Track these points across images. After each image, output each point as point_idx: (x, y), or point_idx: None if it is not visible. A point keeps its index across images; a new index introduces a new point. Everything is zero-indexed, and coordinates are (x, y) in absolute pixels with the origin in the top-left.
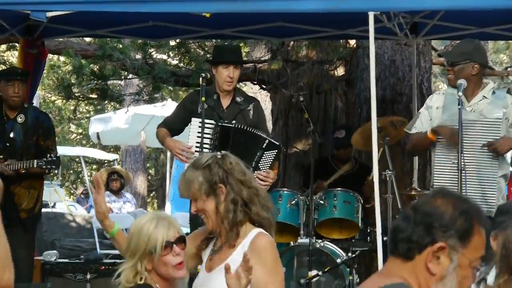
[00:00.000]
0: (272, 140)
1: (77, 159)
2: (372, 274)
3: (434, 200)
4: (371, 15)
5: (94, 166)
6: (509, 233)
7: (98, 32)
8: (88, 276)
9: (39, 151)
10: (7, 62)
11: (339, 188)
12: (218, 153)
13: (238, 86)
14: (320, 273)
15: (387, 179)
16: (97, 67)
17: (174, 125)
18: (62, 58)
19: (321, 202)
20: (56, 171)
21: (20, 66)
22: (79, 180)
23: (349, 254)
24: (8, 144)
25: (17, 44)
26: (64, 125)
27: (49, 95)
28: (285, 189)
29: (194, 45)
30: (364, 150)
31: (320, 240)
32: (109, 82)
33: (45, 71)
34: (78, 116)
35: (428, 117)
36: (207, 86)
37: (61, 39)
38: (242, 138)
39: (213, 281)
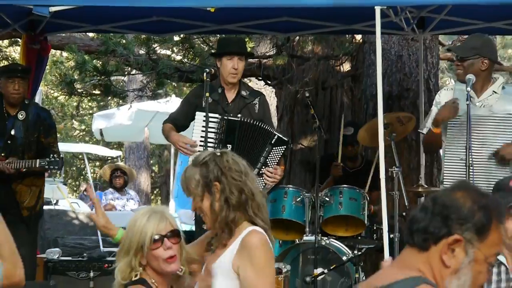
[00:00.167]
0: (281, 136)
1: (80, 156)
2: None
3: (454, 193)
4: (377, 10)
5: (97, 163)
6: None
7: (102, 27)
8: (91, 274)
9: (41, 148)
10: (10, 58)
11: (345, 185)
12: (218, 150)
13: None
14: (325, 271)
15: (394, 176)
16: (100, 62)
17: (179, 121)
18: (65, 54)
19: (327, 199)
20: (58, 172)
21: (23, 62)
22: (82, 177)
23: (355, 252)
24: (9, 142)
25: (19, 40)
26: (67, 121)
27: (52, 91)
28: (290, 186)
29: (198, 40)
30: (370, 147)
31: (325, 238)
32: (112, 78)
33: (47, 66)
34: (81, 112)
35: None
36: (212, 80)
37: (64, 35)
38: (249, 132)
39: (202, 282)
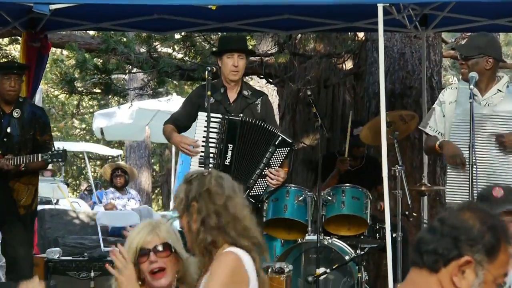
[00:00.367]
0: (285, 137)
1: (80, 155)
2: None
3: (462, 214)
4: (380, 7)
5: (98, 162)
6: None
7: (102, 25)
8: (92, 274)
9: (36, 145)
10: (10, 56)
11: (347, 184)
12: (206, 170)
13: (244, 80)
14: (328, 270)
15: (397, 174)
16: (101, 61)
17: (180, 121)
18: (65, 52)
19: (329, 198)
20: (61, 164)
21: (23, 60)
22: (82, 176)
23: (358, 251)
24: (5, 139)
25: (19, 38)
26: (67, 120)
27: (52, 90)
28: (292, 185)
29: (199, 38)
30: (373, 145)
31: (328, 237)
32: (113, 76)
33: (48, 65)
34: (81, 111)
35: (441, 114)
36: (214, 80)
37: (64, 32)
38: (251, 132)
39: None
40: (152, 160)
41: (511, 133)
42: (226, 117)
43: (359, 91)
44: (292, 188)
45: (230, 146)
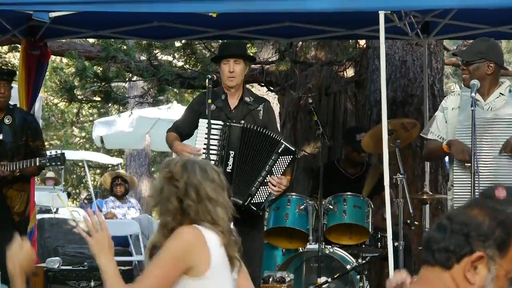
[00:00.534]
0: (288, 145)
1: (80, 163)
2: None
3: (470, 210)
4: (381, 14)
5: (98, 171)
6: None
7: (102, 33)
8: (92, 284)
9: (29, 151)
10: (9, 64)
11: (349, 193)
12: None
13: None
14: (329, 279)
15: (398, 183)
16: (101, 69)
17: (182, 129)
18: (65, 60)
19: (331, 207)
20: (60, 168)
21: (22, 68)
22: (82, 185)
23: (359, 260)
24: None
25: (19, 45)
26: (67, 128)
27: (52, 98)
28: (294, 193)
29: (200, 46)
30: (374, 153)
31: (329, 246)
32: (113, 84)
33: (47, 73)
34: (81, 119)
35: (443, 120)
36: (215, 87)
37: (64, 40)
38: (252, 139)
39: None
40: (153, 169)
41: None
42: (227, 123)
43: (360, 99)
44: (293, 196)
45: (232, 153)
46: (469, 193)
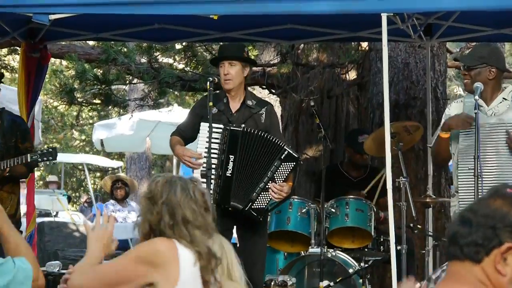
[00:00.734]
0: (292, 152)
1: (80, 167)
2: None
3: (493, 201)
4: (384, 17)
5: (98, 174)
6: None
7: (102, 35)
8: None
9: (19, 153)
10: (9, 66)
11: (351, 196)
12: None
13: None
14: (331, 283)
15: (401, 186)
16: (101, 71)
17: (185, 133)
18: (64, 63)
19: (333, 210)
20: (53, 163)
21: (22, 71)
22: (82, 188)
23: (362, 264)
24: None
25: (18, 48)
26: (67, 131)
27: (52, 101)
28: (296, 197)
29: (201, 48)
30: (377, 156)
31: (331, 250)
32: (113, 87)
33: (47, 75)
34: (81, 122)
35: None
36: (216, 90)
37: (64, 43)
38: (254, 143)
39: None
40: (153, 172)
41: None
42: (227, 127)
43: (362, 102)
44: (295, 200)
45: (232, 157)
46: (474, 198)
